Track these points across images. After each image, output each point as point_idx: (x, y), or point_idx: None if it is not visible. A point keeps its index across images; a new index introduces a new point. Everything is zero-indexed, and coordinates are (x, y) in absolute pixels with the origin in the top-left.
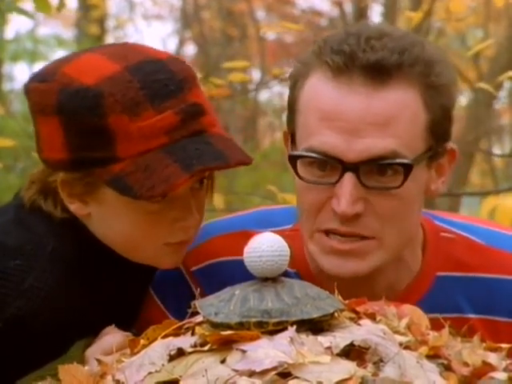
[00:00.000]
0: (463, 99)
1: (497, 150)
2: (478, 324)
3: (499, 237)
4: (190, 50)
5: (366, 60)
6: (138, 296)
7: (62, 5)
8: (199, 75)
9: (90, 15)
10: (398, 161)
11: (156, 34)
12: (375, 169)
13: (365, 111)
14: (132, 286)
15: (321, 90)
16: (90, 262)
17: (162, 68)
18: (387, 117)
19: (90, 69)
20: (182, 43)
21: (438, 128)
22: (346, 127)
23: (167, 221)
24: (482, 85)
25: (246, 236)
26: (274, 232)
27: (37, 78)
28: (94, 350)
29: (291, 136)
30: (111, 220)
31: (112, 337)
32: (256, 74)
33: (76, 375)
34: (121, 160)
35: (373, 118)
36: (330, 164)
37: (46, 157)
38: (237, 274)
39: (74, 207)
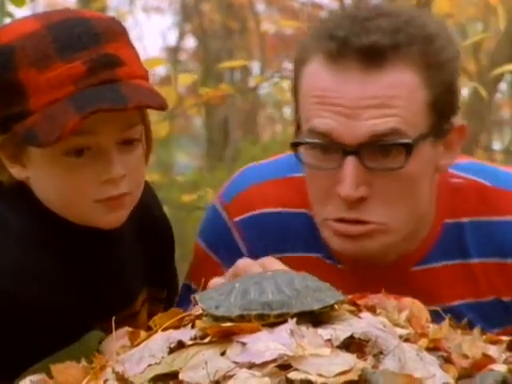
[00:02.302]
0: (464, 93)
1: (497, 143)
2: (486, 268)
3: (505, 177)
4: (190, 42)
5: (360, 44)
6: (135, 276)
7: None
8: (199, 67)
9: (90, 7)
10: (398, 141)
11: (156, 26)
12: (377, 150)
13: (361, 96)
14: (122, 266)
15: (317, 76)
16: (54, 235)
17: (81, 23)
18: (383, 99)
19: (14, 29)
20: (181, 36)
21: (441, 104)
22: (343, 112)
23: (91, 175)
24: (477, 85)
25: (286, 183)
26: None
27: None
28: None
29: (297, 121)
30: (43, 180)
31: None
32: (256, 68)
33: (70, 373)
34: (33, 113)
35: (369, 101)
36: (332, 148)
37: None
38: (276, 226)
39: (14, 171)
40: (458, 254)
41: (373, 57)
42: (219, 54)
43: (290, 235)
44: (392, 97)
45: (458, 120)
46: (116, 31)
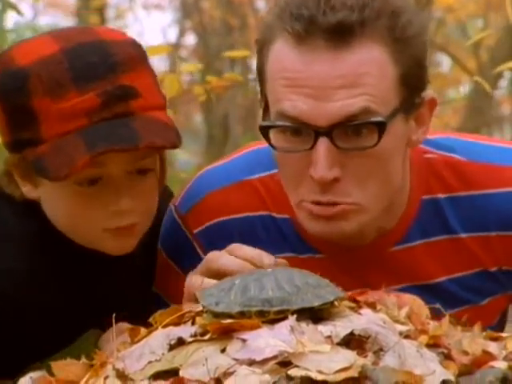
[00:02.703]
0: (464, 89)
1: None
2: (471, 242)
3: (479, 149)
4: (191, 39)
5: (327, 23)
6: (133, 291)
7: None
8: (199, 64)
9: (90, 4)
10: (370, 120)
11: (156, 23)
12: (349, 130)
13: (330, 75)
14: (122, 282)
15: (285, 57)
16: (54, 247)
17: (98, 50)
18: (353, 77)
19: (31, 50)
20: (182, 33)
21: (411, 79)
22: (314, 93)
23: (100, 205)
24: (479, 79)
25: (243, 187)
26: (265, 177)
27: None
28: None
29: (264, 103)
30: (53, 203)
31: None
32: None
33: (71, 370)
34: (44, 141)
35: (339, 81)
36: (303, 130)
37: (2, 139)
38: (238, 232)
39: (26, 189)
40: (439, 230)
41: (340, 35)
42: (219, 50)
43: (255, 239)
44: (362, 75)
45: (428, 93)
46: (134, 58)
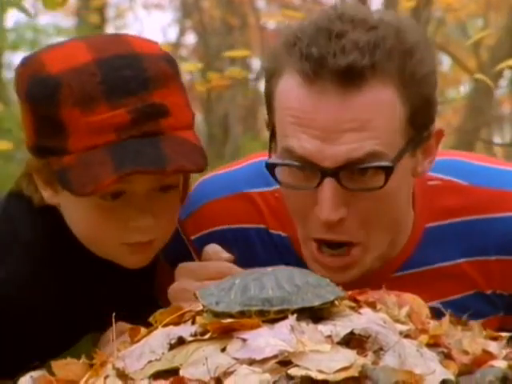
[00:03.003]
0: (464, 89)
1: (497, 139)
2: (468, 267)
3: (481, 173)
4: (191, 39)
5: (337, 66)
6: (136, 295)
7: None
8: (199, 64)
9: (90, 4)
10: (377, 164)
11: (156, 23)
12: (355, 171)
13: (339, 118)
14: (125, 286)
15: (293, 95)
16: (63, 251)
17: (132, 64)
18: (362, 121)
19: (63, 58)
20: (182, 32)
21: (419, 117)
22: (320, 135)
23: (120, 219)
24: (481, 76)
25: (243, 199)
26: (266, 193)
27: (20, 63)
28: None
29: (271, 128)
30: (73, 211)
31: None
32: (256, 64)
33: (71, 369)
34: (70, 153)
35: (347, 124)
36: (309, 168)
37: (26, 142)
38: (235, 242)
39: (47, 195)
40: (439, 256)
41: (350, 78)
42: (219, 50)
43: (250, 250)
44: (370, 119)
45: (436, 125)
46: (167, 74)
